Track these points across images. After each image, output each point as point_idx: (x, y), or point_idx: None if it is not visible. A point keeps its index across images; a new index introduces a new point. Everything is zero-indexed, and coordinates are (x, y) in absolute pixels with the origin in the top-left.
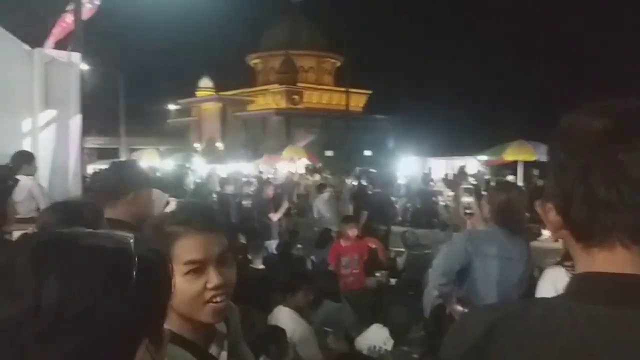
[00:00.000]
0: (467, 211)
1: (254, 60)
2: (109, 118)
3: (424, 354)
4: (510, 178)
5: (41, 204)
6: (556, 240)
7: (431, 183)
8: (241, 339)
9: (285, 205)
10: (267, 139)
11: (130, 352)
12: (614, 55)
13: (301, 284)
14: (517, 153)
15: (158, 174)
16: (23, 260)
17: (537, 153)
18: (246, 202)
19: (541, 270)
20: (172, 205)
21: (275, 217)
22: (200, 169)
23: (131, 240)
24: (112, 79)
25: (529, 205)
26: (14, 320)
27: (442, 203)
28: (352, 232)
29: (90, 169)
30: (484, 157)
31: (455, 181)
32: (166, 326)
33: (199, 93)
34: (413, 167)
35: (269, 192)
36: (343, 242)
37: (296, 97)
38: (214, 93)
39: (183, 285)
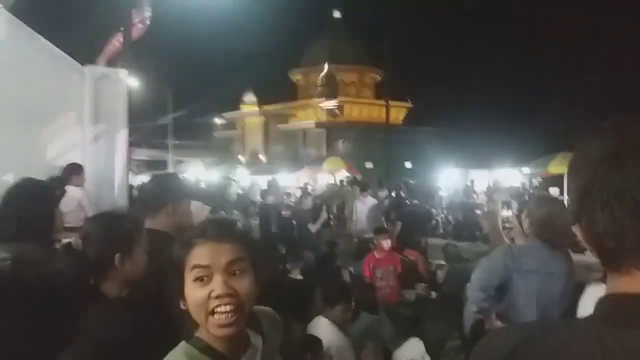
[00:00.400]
0: (506, 225)
1: (296, 76)
2: (158, 131)
3: None
4: (553, 191)
5: (89, 214)
6: None
7: (473, 195)
8: (276, 354)
9: (324, 216)
10: (308, 151)
11: None
12: None
13: (340, 298)
14: (562, 165)
15: (203, 185)
16: None
17: None
18: (286, 213)
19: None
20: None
21: (313, 227)
22: (244, 180)
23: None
24: (161, 94)
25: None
26: None
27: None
28: (386, 243)
29: (139, 180)
30: (528, 170)
31: (491, 194)
32: (199, 336)
33: (243, 107)
34: (454, 179)
35: (308, 202)
36: (377, 254)
37: (336, 110)
38: (257, 107)
39: (191, 291)
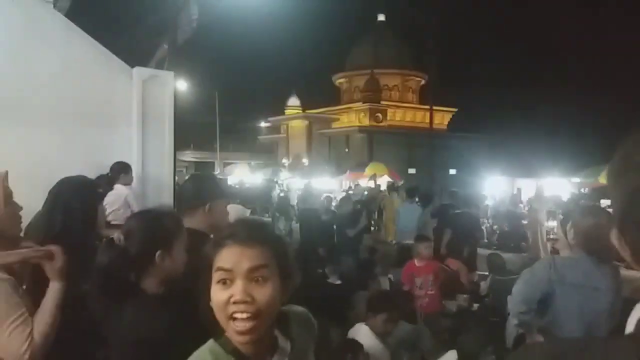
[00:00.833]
0: (551, 236)
1: (339, 80)
2: (206, 133)
3: None
4: (604, 202)
5: (135, 211)
6: None
7: (520, 204)
8: (309, 355)
9: (363, 221)
10: (351, 156)
11: None
12: None
13: (385, 308)
14: None
15: (247, 186)
16: None
17: None
18: (326, 217)
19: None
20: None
21: (351, 232)
22: (287, 183)
23: None
24: (209, 97)
25: None
26: None
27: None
28: (427, 251)
29: None
30: (577, 179)
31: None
32: (228, 336)
33: (287, 111)
34: (500, 188)
35: (349, 207)
36: (417, 262)
37: (380, 115)
38: (301, 111)
39: (215, 292)
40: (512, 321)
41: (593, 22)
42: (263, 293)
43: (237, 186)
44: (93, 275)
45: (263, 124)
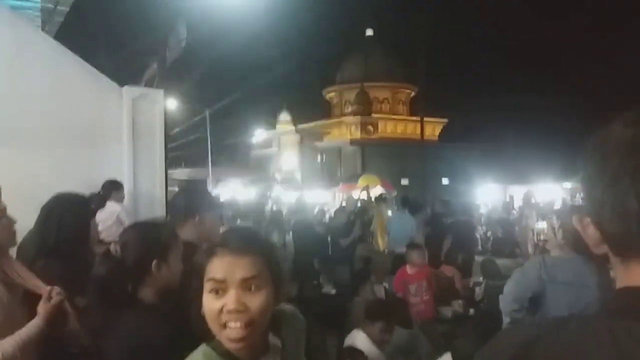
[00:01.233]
0: (542, 237)
1: (329, 94)
2: (197, 151)
3: None
4: None
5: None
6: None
7: (513, 211)
8: (301, 354)
9: (356, 231)
10: (343, 168)
11: None
12: None
13: (382, 316)
14: None
15: (241, 203)
16: None
17: None
18: (320, 229)
19: None
20: None
21: (344, 242)
22: (279, 197)
23: None
24: (199, 115)
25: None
26: None
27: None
28: (419, 259)
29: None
30: (569, 185)
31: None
32: (220, 339)
33: (278, 126)
34: (493, 195)
35: (341, 218)
36: (409, 269)
37: (371, 127)
38: (293, 125)
39: (207, 301)
40: (505, 320)
41: (581, 31)
42: (256, 301)
43: (229, 203)
44: (90, 286)
45: (254, 140)
